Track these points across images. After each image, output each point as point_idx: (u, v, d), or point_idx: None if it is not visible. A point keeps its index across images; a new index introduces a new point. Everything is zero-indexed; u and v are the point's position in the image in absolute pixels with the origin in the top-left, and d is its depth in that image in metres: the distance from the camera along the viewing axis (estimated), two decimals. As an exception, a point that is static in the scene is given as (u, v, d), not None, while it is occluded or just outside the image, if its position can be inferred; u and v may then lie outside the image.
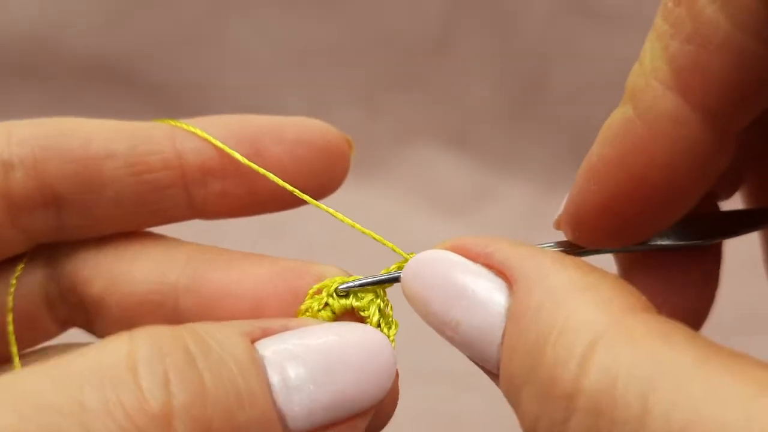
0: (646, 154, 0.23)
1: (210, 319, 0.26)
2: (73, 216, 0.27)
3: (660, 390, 0.17)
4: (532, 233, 0.65)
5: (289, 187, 0.27)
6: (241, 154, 0.27)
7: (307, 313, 0.26)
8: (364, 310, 0.27)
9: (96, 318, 0.28)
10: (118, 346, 0.20)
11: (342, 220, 0.27)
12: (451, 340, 0.23)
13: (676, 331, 0.19)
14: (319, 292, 0.26)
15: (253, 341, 0.22)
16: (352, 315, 0.27)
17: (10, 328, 0.28)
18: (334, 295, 0.26)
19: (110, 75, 0.71)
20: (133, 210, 0.28)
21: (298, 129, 0.28)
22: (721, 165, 0.23)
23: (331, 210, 0.27)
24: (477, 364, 0.24)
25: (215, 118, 0.28)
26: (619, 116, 0.23)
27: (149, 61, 0.71)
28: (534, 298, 0.21)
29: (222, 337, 0.21)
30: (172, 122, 0.28)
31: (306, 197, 0.28)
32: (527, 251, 0.23)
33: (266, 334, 0.23)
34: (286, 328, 0.23)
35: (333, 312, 0.26)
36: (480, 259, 0.23)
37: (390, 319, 0.27)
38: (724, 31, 0.21)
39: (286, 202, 0.28)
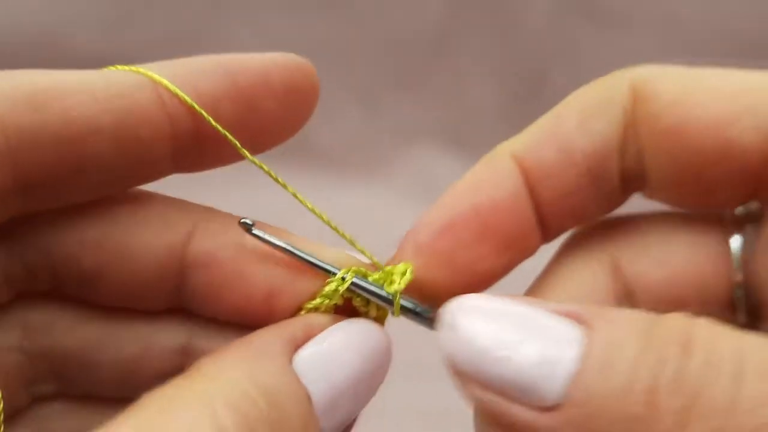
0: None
1: (218, 300, 0.27)
2: (46, 194, 0.25)
3: None
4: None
5: (267, 170, 0.27)
6: (234, 111, 0.26)
7: (315, 301, 0.27)
8: (364, 308, 0.27)
9: (88, 293, 0.27)
10: (199, 416, 0.21)
11: (318, 216, 0.28)
12: (494, 375, 0.22)
13: None
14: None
15: (296, 348, 0.24)
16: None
17: None
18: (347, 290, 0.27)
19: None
20: (116, 177, 0.26)
21: (284, 74, 0.27)
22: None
23: (309, 204, 0.28)
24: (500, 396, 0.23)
25: (203, 62, 0.27)
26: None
27: (150, 60, 0.71)
28: (621, 340, 0.21)
29: (273, 377, 0.23)
30: (156, 77, 0.26)
31: (291, 190, 0.28)
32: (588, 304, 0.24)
33: (306, 339, 0.25)
34: (310, 334, 0.25)
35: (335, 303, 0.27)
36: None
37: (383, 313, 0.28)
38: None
39: (272, 142, 0.28)
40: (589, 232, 0.29)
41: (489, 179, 0.27)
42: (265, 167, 0.27)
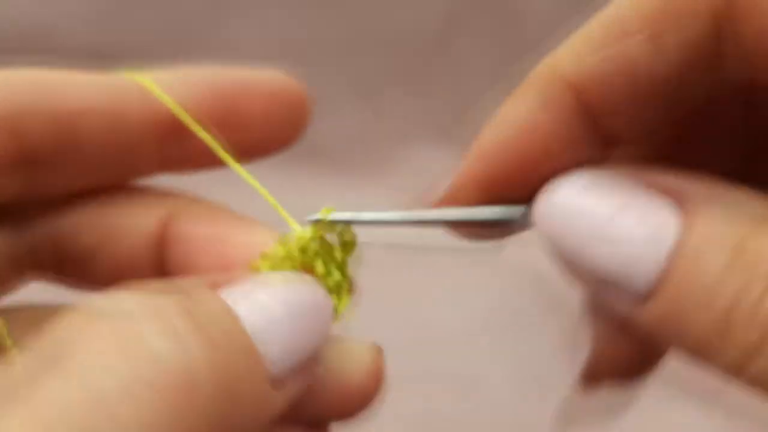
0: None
1: (195, 273, 0.27)
2: (46, 174, 0.27)
3: None
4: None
5: (229, 157, 0.28)
6: (217, 110, 0.28)
7: (268, 261, 0.26)
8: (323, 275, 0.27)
9: (83, 272, 0.28)
10: (124, 317, 0.20)
11: (249, 181, 0.28)
12: (595, 256, 0.21)
13: None
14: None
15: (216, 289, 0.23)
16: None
17: None
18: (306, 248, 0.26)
19: (106, 70, 0.71)
20: (107, 166, 0.27)
21: (269, 84, 0.28)
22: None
23: (250, 178, 0.28)
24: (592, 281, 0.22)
25: (190, 72, 0.29)
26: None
27: (145, 56, 0.70)
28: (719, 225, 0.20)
29: (201, 294, 0.22)
30: (141, 78, 0.28)
31: (238, 167, 0.28)
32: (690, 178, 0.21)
33: (229, 283, 0.23)
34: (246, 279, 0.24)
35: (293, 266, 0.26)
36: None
37: (345, 289, 0.27)
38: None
39: (256, 153, 0.29)
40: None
41: (539, 112, 0.23)
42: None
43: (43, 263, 0.29)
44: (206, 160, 0.28)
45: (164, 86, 0.27)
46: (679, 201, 0.21)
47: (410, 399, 0.50)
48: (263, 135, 0.29)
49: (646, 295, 0.20)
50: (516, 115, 0.24)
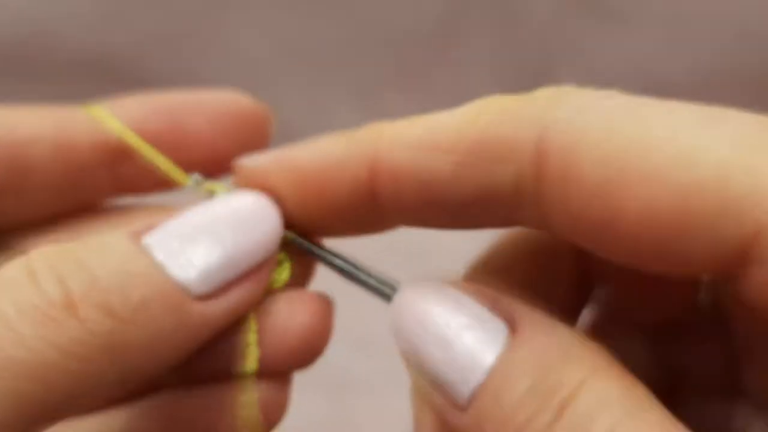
0: None
1: None
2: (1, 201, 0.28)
3: None
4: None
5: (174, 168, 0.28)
6: (161, 128, 0.29)
7: None
8: None
9: None
10: (16, 263, 0.22)
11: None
12: (429, 360, 0.22)
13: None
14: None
15: (138, 236, 0.23)
16: None
17: None
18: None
19: (106, 72, 0.71)
20: (61, 192, 0.29)
21: (217, 101, 0.29)
22: None
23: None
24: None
25: (137, 97, 0.30)
26: None
27: (145, 58, 0.70)
28: (540, 349, 0.20)
29: (108, 238, 0.23)
30: (87, 108, 0.29)
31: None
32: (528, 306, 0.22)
33: (151, 228, 0.24)
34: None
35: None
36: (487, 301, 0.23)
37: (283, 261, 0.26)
38: None
39: (213, 170, 0.29)
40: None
41: (336, 160, 0.25)
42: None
43: None
44: (160, 181, 0.29)
45: (111, 111, 0.29)
46: (510, 321, 0.22)
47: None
48: (213, 153, 0.29)
49: (466, 404, 0.21)
50: (320, 150, 0.25)
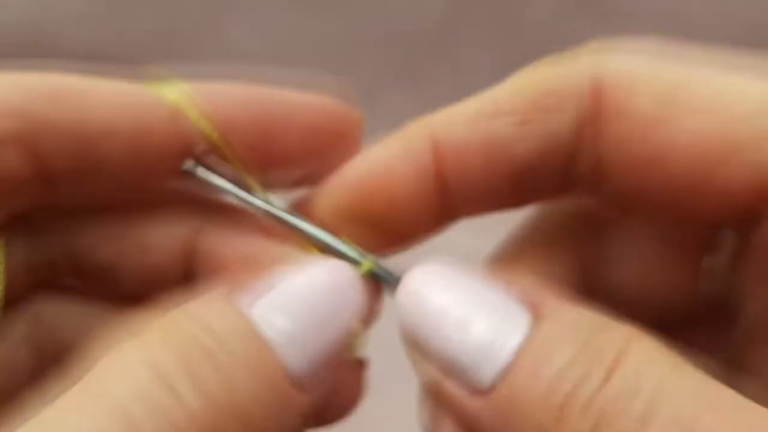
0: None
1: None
2: (64, 188, 0.26)
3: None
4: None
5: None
6: (252, 138, 0.26)
7: None
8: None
9: (104, 285, 0.28)
10: (138, 360, 0.20)
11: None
12: (439, 348, 0.22)
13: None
14: None
15: (234, 296, 0.22)
16: None
17: None
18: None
19: (106, 72, 0.71)
20: (128, 184, 0.26)
21: (313, 114, 0.27)
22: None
23: None
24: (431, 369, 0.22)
25: (228, 87, 0.26)
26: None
27: (146, 56, 0.70)
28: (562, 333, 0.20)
29: (218, 315, 0.21)
30: (169, 88, 0.26)
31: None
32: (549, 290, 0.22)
33: (245, 288, 0.23)
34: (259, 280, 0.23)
35: None
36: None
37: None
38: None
39: (289, 187, 0.28)
40: (559, 213, 0.27)
41: (398, 157, 0.25)
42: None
43: (61, 275, 0.28)
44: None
45: (196, 102, 0.26)
46: (531, 305, 0.22)
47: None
48: (292, 168, 0.27)
49: (488, 387, 0.21)
50: (378, 156, 0.25)
